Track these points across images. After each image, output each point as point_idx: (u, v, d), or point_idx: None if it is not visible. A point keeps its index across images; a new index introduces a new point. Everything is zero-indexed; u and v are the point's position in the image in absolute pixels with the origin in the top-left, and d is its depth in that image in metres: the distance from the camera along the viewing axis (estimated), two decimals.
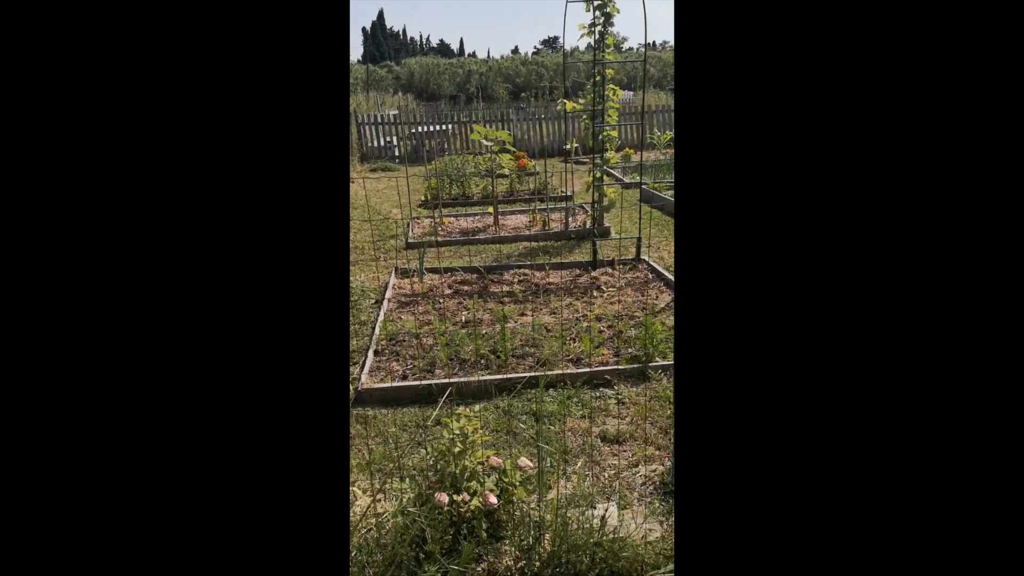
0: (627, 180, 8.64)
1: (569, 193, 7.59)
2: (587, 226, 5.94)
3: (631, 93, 26.90)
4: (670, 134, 11.78)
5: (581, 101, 5.62)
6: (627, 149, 11.17)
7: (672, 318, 3.64)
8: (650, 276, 4.47)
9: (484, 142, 6.08)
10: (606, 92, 5.40)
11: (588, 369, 2.94)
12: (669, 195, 6.98)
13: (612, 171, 9.69)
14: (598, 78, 5.41)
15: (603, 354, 3.14)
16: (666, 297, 4.03)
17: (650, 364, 2.95)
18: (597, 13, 5.11)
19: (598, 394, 2.81)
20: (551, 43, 63.01)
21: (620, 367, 2.94)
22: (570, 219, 6.31)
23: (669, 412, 2.60)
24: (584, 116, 5.63)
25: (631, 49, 50.16)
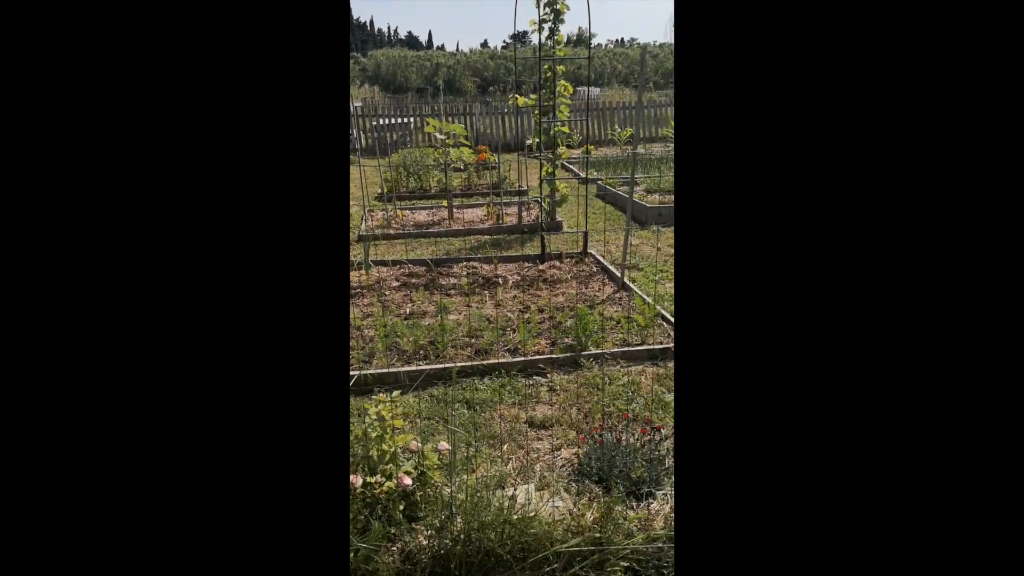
0: (583, 175, 8.77)
1: (525, 187, 7.67)
2: (540, 220, 6.02)
3: (598, 90, 27.12)
4: (629, 130, 11.97)
5: (533, 96, 5.68)
6: (587, 145, 11.34)
7: (610, 309, 3.75)
8: (595, 269, 4.58)
9: (438, 135, 6.10)
10: (557, 88, 5.49)
11: (523, 358, 3.02)
12: (623, 190, 7.12)
13: (570, 166, 9.82)
14: (548, 74, 5.49)
15: (540, 344, 3.23)
16: (608, 289, 4.15)
17: (583, 353, 3.04)
18: (547, 10, 5.18)
19: (532, 382, 2.89)
20: (520, 38, 62.96)
21: (554, 356, 3.03)
22: (524, 213, 6.39)
23: (596, 398, 2.70)
24: (536, 112, 5.71)
25: (599, 45, 50.44)
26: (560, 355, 3.04)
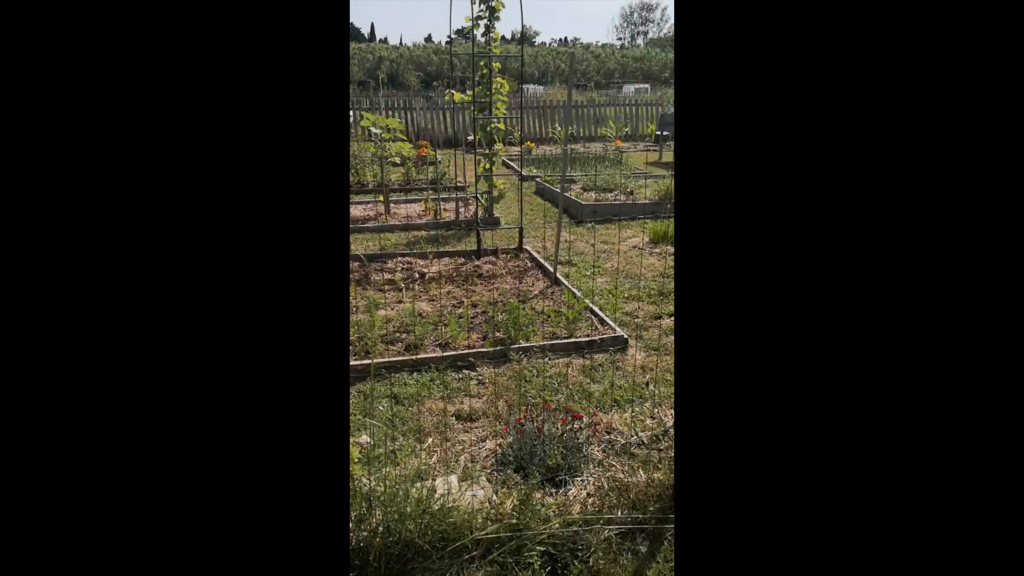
0: (524, 172, 8.86)
1: (464, 183, 7.67)
2: (476, 216, 6.05)
3: (541, 88, 27.32)
4: (570, 129, 12.16)
5: (469, 93, 5.70)
6: (528, 142, 11.44)
7: (542, 303, 3.83)
8: (530, 265, 4.65)
9: (373, 130, 6.02)
10: (494, 85, 5.52)
11: (454, 352, 3.05)
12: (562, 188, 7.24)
13: (511, 163, 9.90)
14: (485, 71, 5.52)
15: (471, 338, 3.26)
16: (541, 284, 4.23)
17: (512, 346, 3.10)
18: (482, 7, 5.21)
19: (461, 376, 2.92)
20: (464, 33, 62.34)
21: (484, 350, 3.07)
22: (463, 209, 6.40)
23: (523, 390, 2.76)
24: (473, 108, 5.73)
25: (543, 44, 50.81)
26: (490, 349, 3.08)
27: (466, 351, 3.07)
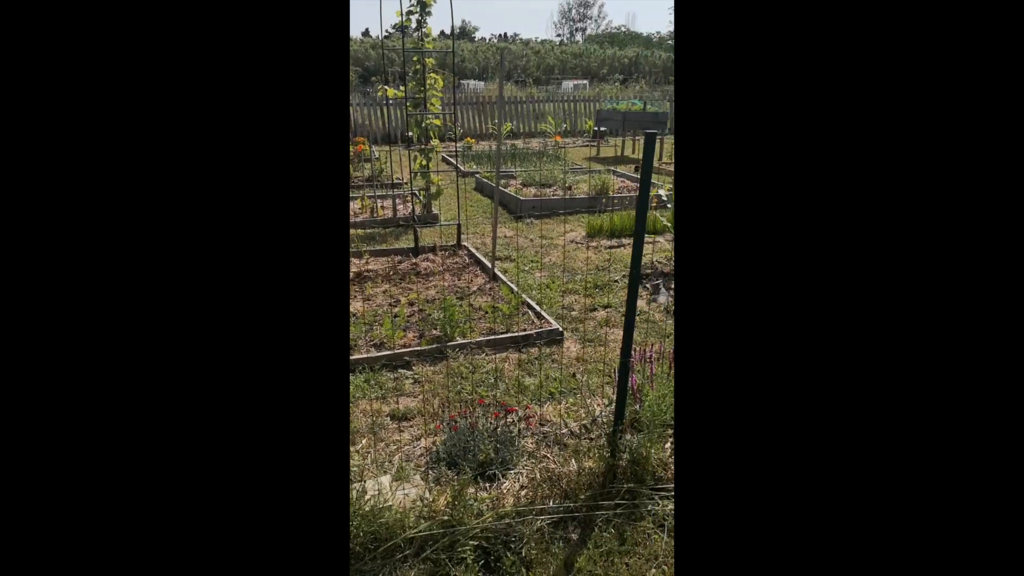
0: (464, 168, 8.84)
1: (402, 180, 7.57)
2: (412, 214, 6.00)
3: (482, 84, 27.31)
4: (509, 125, 12.21)
5: (402, 88, 5.63)
6: (468, 138, 11.41)
7: (480, 299, 3.84)
8: (468, 261, 4.65)
9: None
10: (428, 81, 5.47)
11: (389, 352, 3.01)
12: (501, 184, 7.26)
13: (451, 159, 9.85)
14: (418, 67, 5.46)
15: (407, 337, 3.23)
16: (479, 280, 4.24)
17: (449, 344, 3.10)
18: (413, 1, 5.14)
19: (397, 375, 2.90)
20: (399, 28, 61.31)
21: (420, 348, 3.06)
22: (401, 206, 6.33)
23: (460, 387, 2.77)
24: (408, 104, 5.66)
25: (483, 39, 50.69)
26: (426, 347, 3.07)
27: (401, 350, 3.04)
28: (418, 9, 5.18)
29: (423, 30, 5.31)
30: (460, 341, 3.14)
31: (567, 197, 6.53)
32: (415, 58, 5.43)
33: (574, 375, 2.89)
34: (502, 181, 7.54)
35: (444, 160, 10.01)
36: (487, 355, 3.09)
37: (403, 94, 5.62)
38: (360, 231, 5.58)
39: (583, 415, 2.49)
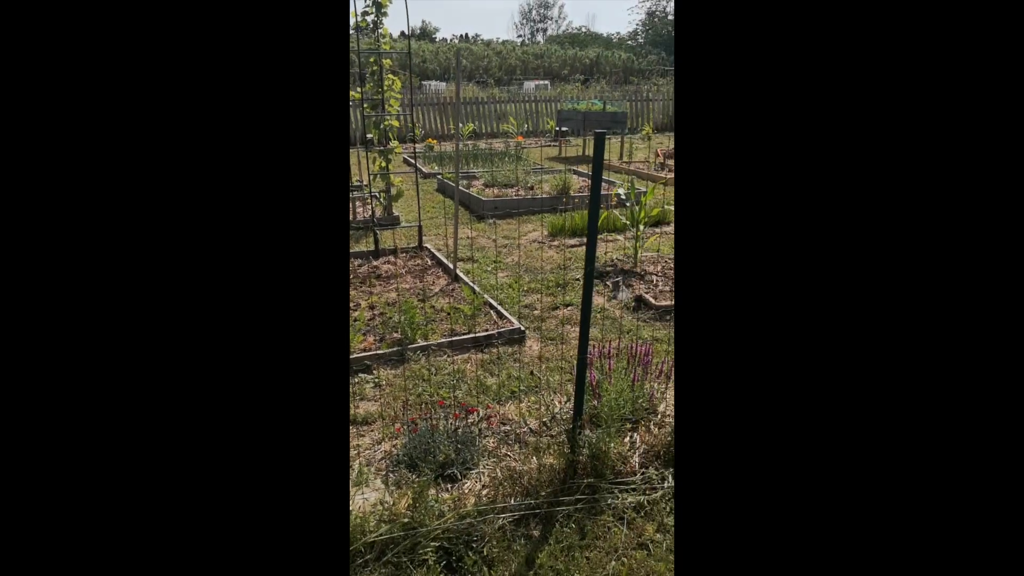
0: (426, 170, 8.78)
1: (363, 182, 7.48)
2: (374, 216, 5.93)
3: (444, 84, 27.22)
4: (471, 126, 12.20)
5: (359, 90, 5.56)
6: (429, 139, 11.35)
7: (441, 300, 3.83)
8: (429, 263, 4.63)
9: None
10: (386, 82, 5.43)
11: (349, 357, 2.98)
12: (462, 184, 7.25)
13: (412, 160, 9.78)
14: (375, 68, 5.41)
15: (367, 341, 3.20)
16: (441, 282, 4.22)
17: (410, 346, 3.08)
18: (369, 2, 5.09)
19: (357, 380, 2.86)
20: (363, 29, 60.52)
21: (380, 352, 3.03)
22: (361, 208, 6.25)
23: (421, 390, 2.76)
24: (365, 105, 5.60)
25: (444, 40, 50.49)
26: (386, 350, 3.04)
27: (362, 354, 3.01)
28: (373, 10, 5.14)
29: (379, 31, 5.26)
30: (421, 343, 3.12)
31: (529, 197, 6.57)
32: (371, 59, 5.37)
33: (534, 373, 2.92)
34: (464, 182, 7.53)
35: (405, 161, 9.94)
36: (449, 357, 3.09)
37: (360, 96, 5.55)
38: None
39: (544, 412, 2.52)
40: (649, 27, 49.05)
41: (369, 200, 6.48)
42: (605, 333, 3.43)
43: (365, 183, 7.30)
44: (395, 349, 3.06)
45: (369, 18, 5.15)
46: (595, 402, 2.37)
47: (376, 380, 2.87)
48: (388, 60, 5.40)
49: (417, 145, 11.04)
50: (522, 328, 3.33)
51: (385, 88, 5.45)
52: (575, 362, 2.71)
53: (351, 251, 4.85)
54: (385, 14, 5.21)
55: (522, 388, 2.79)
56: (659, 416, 2.45)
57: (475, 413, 2.32)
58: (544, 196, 6.50)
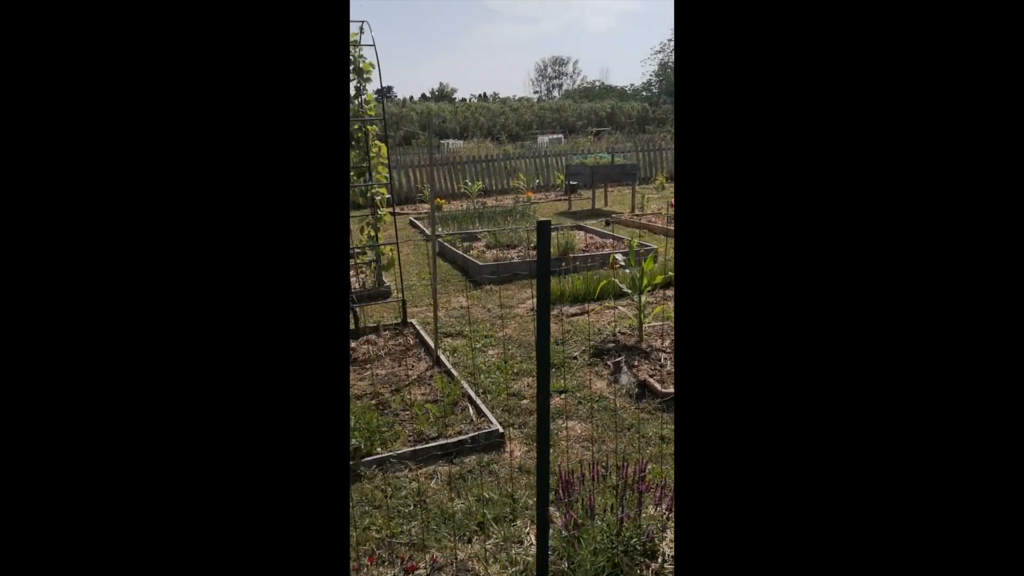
0: (429, 232, 8.49)
1: (359, 249, 7.20)
2: (364, 287, 5.58)
3: (462, 142, 27.74)
4: (480, 183, 12.03)
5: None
6: (438, 199, 11.18)
7: (417, 390, 3.35)
8: (413, 342, 4.20)
9: None
10: (372, 149, 5.17)
11: None
12: (463, 247, 6.90)
13: (418, 221, 9.56)
14: (360, 135, 5.17)
15: None
16: (422, 366, 3.77)
17: (365, 459, 2.59)
18: (350, 68, 4.90)
19: None
20: (385, 93, 63.44)
21: None
22: (354, 278, 5.91)
23: (368, 522, 2.25)
24: (352, 173, 5.34)
25: (463, 100, 52.16)
26: None
27: None
28: (355, 76, 4.93)
29: (363, 96, 5.05)
30: (380, 454, 2.64)
31: (530, 260, 6.15)
32: (356, 126, 5.15)
33: (512, 495, 2.39)
34: (465, 244, 7.19)
35: (411, 223, 9.72)
36: (411, 471, 2.59)
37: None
38: None
39: (510, 562, 1.98)
40: (662, 77, 49.91)
41: (362, 268, 6.16)
42: (601, 431, 2.89)
43: (360, 250, 7.02)
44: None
45: (352, 84, 4.94)
46: (570, 552, 1.83)
47: None
48: (373, 126, 5.16)
49: (426, 205, 10.87)
50: (501, 431, 2.82)
51: (372, 155, 5.19)
52: (566, 468, 2.15)
53: None
54: (368, 79, 5.00)
55: (495, 515, 2.26)
56: (659, 562, 1.90)
57: (417, 570, 1.81)
58: None
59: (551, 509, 2.16)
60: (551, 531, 1.98)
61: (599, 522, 1.83)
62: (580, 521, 1.89)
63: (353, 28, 4.73)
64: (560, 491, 2.08)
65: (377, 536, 2.17)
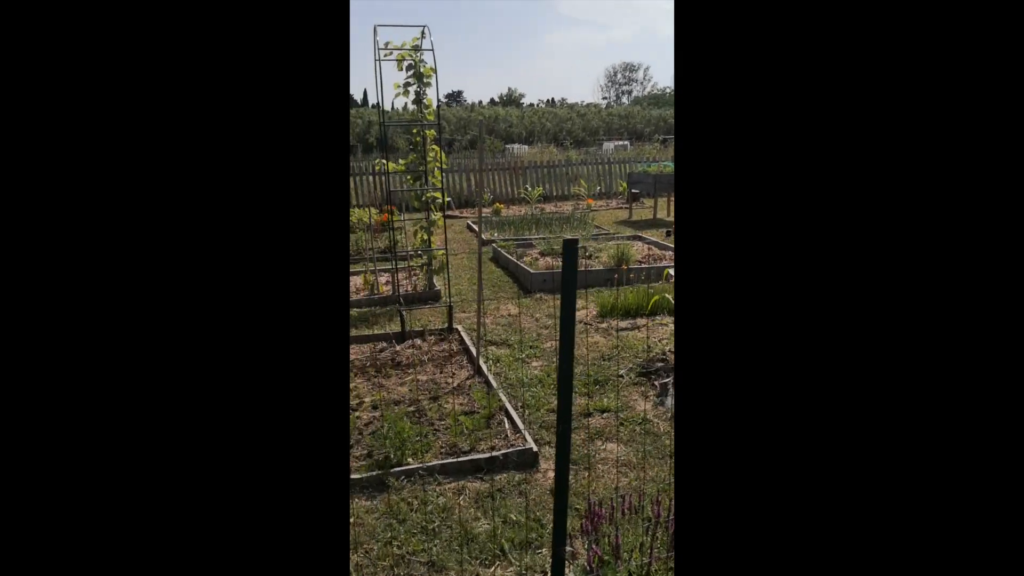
0: (486, 236, 8.49)
1: (407, 251, 7.27)
2: (416, 289, 5.61)
3: (527, 147, 27.79)
4: (540, 189, 11.96)
5: (402, 161, 5.38)
6: (497, 204, 11.19)
7: (454, 400, 3.30)
8: (456, 348, 4.16)
9: None
10: (429, 154, 5.20)
11: None
12: (516, 254, 6.84)
13: (474, 226, 9.59)
14: (418, 139, 5.21)
15: (352, 456, 2.72)
16: (463, 374, 3.72)
17: (394, 470, 2.56)
18: (410, 73, 4.94)
19: None
20: (455, 97, 64.48)
21: (355, 476, 2.53)
22: (406, 281, 5.97)
23: (391, 534, 2.21)
24: (408, 177, 5.39)
25: (531, 105, 52.32)
26: (364, 475, 2.54)
27: None
28: (415, 80, 4.97)
29: (423, 102, 5.08)
30: (410, 466, 2.59)
31: (585, 269, 6.01)
32: (415, 130, 5.19)
33: (540, 520, 2.28)
34: (519, 250, 7.12)
35: (468, 227, 9.76)
36: (440, 484, 2.53)
37: (403, 167, 5.36)
38: (355, 311, 5.21)
39: None
40: None
41: (416, 271, 6.20)
42: (641, 457, 2.74)
43: (422, 252, 7.10)
44: (375, 474, 2.54)
45: (412, 89, 4.99)
46: None
47: None
48: (431, 131, 5.18)
49: (487, 209, 10.91)
50: (535, 450, 2.71)
51: (430, 159, 5.22)
52: (600, 496, 2.02)
53: (376, 333, 4.47)
54: (428, 84, 5.02)
55: (520, 541, 2.16)
56: None
57: None
58: (600, 268, 5.92)
59: (576, 541, 2.04)
60: (573, 568, 1.87)
61: (625, 563, 1.70)
62: (605, 559, 1.76)
63: (414, 32, 4.77)
64: (587, 522, 1.96)
65: (398, 552, 2.11)
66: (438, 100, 4.33)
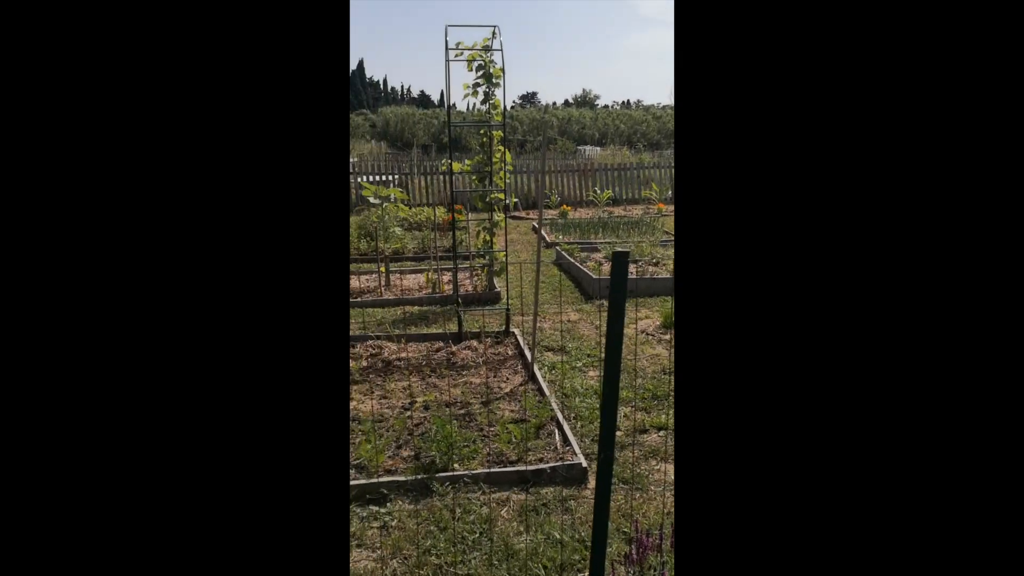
0: (550, 239, 8.39)
1: (470, 252, 7.28)
2: (476, 289, 5.60)
3: (599, 149, 27.48)
4: (609, 192, 11.72)
5: (468, 162, 5.38)
6: (564, 206, 11.06)
7: (505, 406, 3.23)
8: (512, 352, 4.10)
9: (372, 200, 5.78)
10: (496, 154, 5.17)
11: (365, 481, 2.50)
12: (579, 257, 6.70)
13: (537, 227, 9.49)
14: (485, 139, 5.19)
15: (395, 459, 2.71)
16: (517, 379, 3.65)
17: (439, 474, 2.52)
18: (479, 73, 4.93)
19: (366, 513, 2.36)
20: (529, 98, 64.70)
21: (400, 479, 2.51)
22: (468, 281, 5.98)
23: (431, 542, 2.17)
24: (474, 177, 5.39)
25: (604, 106, 51.65)
26: (409, 478, 2.52)
27: (381, 479, 2.52)
28: (484, 81, 4.95)
29: (491, 101, 5.06)
30: (455, 472, 2.55)
31: (650, 276, 5.80)
32: (482, 131, 5.18)
33: (585, 541, 2.17)
34: (583, 254, 6.98)
35: (533, 229, 9.69)
36: (484, 493, 2.47)
37: (469, 168, 5.36)
38: (415, 308, 5.26)
39: None
40: None
41: (478, 271, 6.19)
42: None
43: (485, 252, 7.11)
44: (420, 477, 2.52)
45: (481, 89, 4.97)
46: None
47: (387, 518, 2.34)
48: (498, 132, 5.15)
49: (553, 211, 10.81)
50: (584, 464, 2.60)
51: (496, 160, 5.19)
52: (650, 523, 1.89)
53: (433, 332, 4.49)
54: (497, 84, 4.99)
55: (562, 562, 2.06)
56: None
57: None
58: (667, 276, 5.69)
59: (620, 568, 1.91)
60: None
61: None
62: None
63: (485, 33, 4.75)
64: (633, 550, 1.84)
65: (436, 562, 2.07)
66: (506, 101, 4.28)
